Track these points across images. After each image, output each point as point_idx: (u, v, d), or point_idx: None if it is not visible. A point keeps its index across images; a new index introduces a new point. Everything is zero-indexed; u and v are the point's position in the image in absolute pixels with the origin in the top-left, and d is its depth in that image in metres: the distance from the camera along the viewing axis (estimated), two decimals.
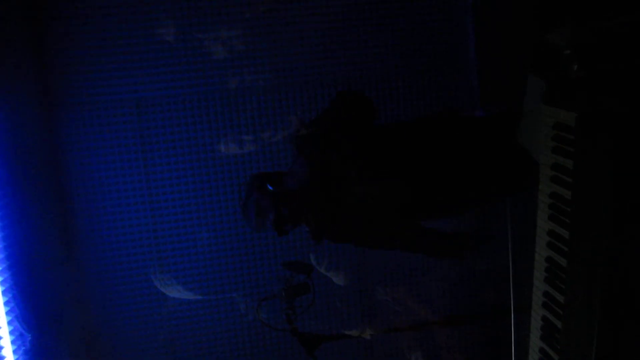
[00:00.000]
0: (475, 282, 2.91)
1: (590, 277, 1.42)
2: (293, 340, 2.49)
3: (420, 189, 2.04)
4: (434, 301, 3.03)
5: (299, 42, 2.95)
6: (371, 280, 3.03)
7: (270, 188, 2.13)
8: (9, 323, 2.25)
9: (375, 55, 3.01)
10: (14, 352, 2.25)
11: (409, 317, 2.99)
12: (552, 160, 1.61)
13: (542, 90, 1.66)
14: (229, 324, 3.07)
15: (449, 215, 2.24)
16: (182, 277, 3.00)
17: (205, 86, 2.92)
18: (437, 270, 3.03)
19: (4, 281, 2.26)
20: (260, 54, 2.95)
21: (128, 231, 2.94)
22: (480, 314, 2.67)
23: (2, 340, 2.20)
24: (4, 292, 2.24)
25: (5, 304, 2.23)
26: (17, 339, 2.30)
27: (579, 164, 1.47)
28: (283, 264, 2.60)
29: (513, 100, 1.97)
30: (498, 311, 2.26)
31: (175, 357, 3.07)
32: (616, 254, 1.34)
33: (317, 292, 2.50)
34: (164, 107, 2.89)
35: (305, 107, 3.00)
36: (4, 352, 2.21)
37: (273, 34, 2.92)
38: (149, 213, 2.95)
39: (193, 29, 2.86)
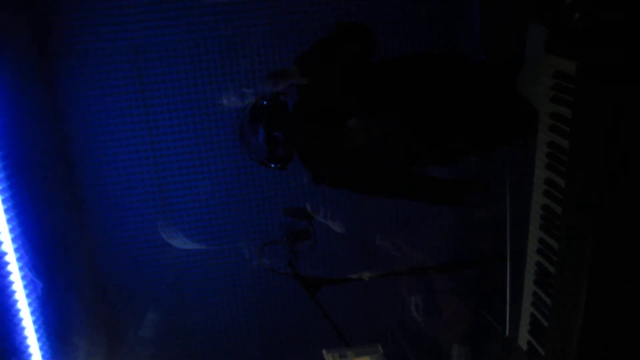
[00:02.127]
0: (472, 229, 2.96)
1: (584, 225, 1.45)
2: (295, 284, 2.56)
3: (420, 129, 2.03)
4: (432, 247, 3.10)
5: None
6: (370, 228, 3.09)
7: (264, 103, 2.12)
8: (20, 269, 2.32)
9: (378, 2, 2.95)
10: (27, 296, 2.33)
11: (407, 263, 3.06)
12: (551, 109, 1.62)
13: (543, 38, 1.64)
14: (232, 270, 3.16)
15: (449, 160, 2.23)
16: (187, 227, 3.06)
17: (203, 32, 2.87)
18: (434, 217, 3.08)
19: (12, 229, 2.31)
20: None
21: (132, 178, 2.97)
22: (477, 260, 2.74)
23: (14, 285, 2.28)
24: (13, 240, 2.29)
25: (16, 250, 2.29)
26: (29, 285, 2.37)
27: (577, 114, 1.48)
28: (285, 210, 2.64)
29: (515, 48, 1.94)
30: (495, 257, 2.31)
31: (182, 303, 3.17)
32: (609, 204, 1.36)
33: (318, 238, 2.56)
34: (162, 54, 2.86)
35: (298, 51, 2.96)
36: (17, 296, 2.29)
37: None
38: (152, 161, 2.97)
39: None
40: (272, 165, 2.16)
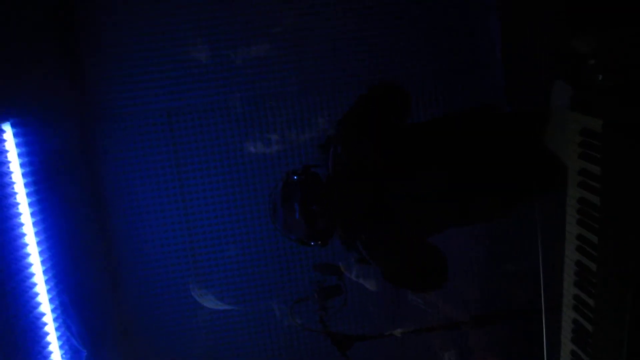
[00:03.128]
0: (505, 283, 2.93)
1: (620, 282, 1.44)
2: (326, 340, 2.54)
3: (455, 187, 1.97)
4: (464, 302, 3.06)
5: (325, 48, 2.99)
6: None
7: (294, 178, 2.03)
8: (59, 338, 2.36)
9: (402, 57, 3.03)
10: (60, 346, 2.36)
11: (440, 318, 3.02)
12: (580, 166, 1.63)
13: (569, 95, 1.67)
14: (264, 329, 3.15)
15: (482, 217, 2.21)
16: (217, 287, 3.09)
17: (232, 93, 2.98)
18: (467, 273, 3.05)
19: (52, 299, 2.36)
20: (287, 59, 3.00)
21: (165, 243, 3.04)
22: (511, 314, 2.69)
23: (53, 355, 2.31)
24: (53, 310, 2.34)
25: (54, 320, 2.33)
26: (69, 354, 2.40)
27: (606, 171, 1.49)
28: (315, 266, 2.65)
29: (540, 102, 1.97)
30: (529, 311, 2.27)
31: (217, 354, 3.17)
32: None
33: (348, 293, 2.55)
34: (194, 115, 2.97)
35: (332, 110, 3.04)
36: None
37: (298, 45, 2.97)
38: (184, 219, 3.04)
39: (221, 45, 2.93)
40: (312, 243, 2.06)
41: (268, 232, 3.05)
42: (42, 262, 2.35)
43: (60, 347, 2.36)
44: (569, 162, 1.67)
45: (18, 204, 2.28)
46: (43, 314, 2.29)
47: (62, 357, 2.36)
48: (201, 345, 3.12)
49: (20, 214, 2.28)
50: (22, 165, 2.33)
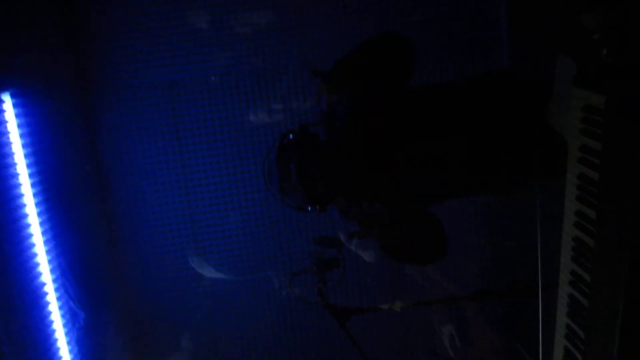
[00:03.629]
0: (503, 259, 2.94)
1: (617, 257, 1.45)
2: (325, 313, 2.57)
3: (457, 150, 1.88)
4: (462, 277, 3.08)
5: (329, 21, 2.95)
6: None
7: (290, 137, 1.88)
8: (58, 299, 2.39)
9: (409, 29, 2.99)
10: (64, 325, 2.39)
11: (437, 292, 3.04)
12: (581, 142, 1.62)
13: (572, 71, 1.66)
14: (262, 300, 3.18)
15: (481, 190, 2.17)
16: (217, 258, 3.11)
17: (235, 66, 2.96)
18: (464, 247, 3.07)
19: (51, 260, 2.38)
20: (289, 26, 2.96)
21: (164, 209, 3.04)
22: (509, 290, 2.71)
23: (52, 315, 2.34)
24: (52, 270, 2.36)
25: (54, 281, 2.36)
26: (68, 316, 2.43)
27: (607, 147, 1.48)
28: (314, 239, 2.65)
29: (544, 79, 1.95)
30: (527, 288, 2.29)
31: (214, 332, 3.20)
32: None
33: (347, 267, 2.56)
34: (195, 88, 2.95)
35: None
36: (54, 326, 2.35)
37: (302, 14, 2.93)
38: (184, 191, 3.04)
39: (223, 17, 2.90)
40: (310, 209, 1.92)
41: (268, 203, 3.06)
42: (41, 224, 2.36)
43: (60, 307, 2.39)
44: (570, 138, 1.67)
45: (18, 174, 2.28)
46: (41, 274, 2.33)
47: (61, 317, 2.38)
48: (199, 313, 3.15)
49: (20, 184, 2.28)
50: (22, 135, 2.33)
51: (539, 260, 2.00)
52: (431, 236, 1.99)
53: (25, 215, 2.29)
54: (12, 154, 2.28)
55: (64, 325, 2.39)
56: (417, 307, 2.91)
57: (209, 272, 3.10)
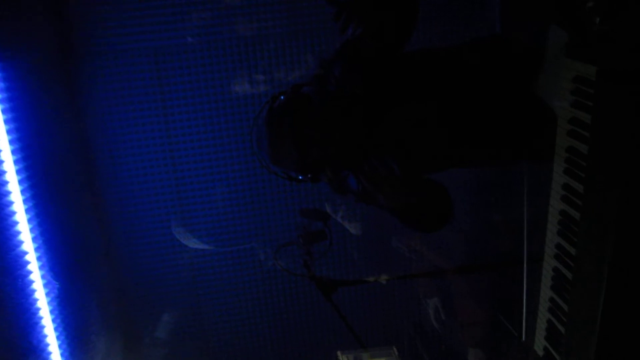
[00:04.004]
0: (490, 232, 2.94)
1: (602, 232, 1.44)
2: (311, 285, 2.57)
3: (449, 116, 1.82)
4: (448, 250, 3.08)
5: None
6: (386, 229, 3.07)
7: (282, 99, 1.73)
8: (40, 268, 2.36)
9: None
10: (46, 295, 2.37)
11: (423, 265, 3.05)
12: (570, 114, 1.60)
13: (564, 42, 1.62)
14: (249, 271, 3.18)
15: (467, 162, 2.14)
16: (203, 228, 3.09)
17: (222, 34, 2.90)
18: (452, 221, 3.06)
19: (33, 229, 2.35)
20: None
21: (150, 179, 3.00)
22: (494, 263, 2.72)
23: (34, 284, 2.32)
24: (33, 239, 2.33)
25: (36, 250, 2.33)
26: (49, 284, 2.41)
27: (596, 119, 1.46)
28: (300, 211, 2.64)
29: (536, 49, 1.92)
30: (512, 261, 2.29)
31: (198, 303, 3.20)
32: (628, 210, 1.34)
33: (333, 239, 2.55)
34: (181, 56, 2.89)
35: (324, 54, 2.97)
36: (36, 295, 2.33)
37: None
38: (169, 161, 3.00)
39: None
40: (301, 177, 1.80)
41: (255, 174, 3.03)
42: (22, 192, 2.32)
43: (42, 276, 2.37)
44: (560, 110, 1.65)
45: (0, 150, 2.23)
46: (23, 242, 2.29)
47: (44, 287, 2.36)
48: (184, 284, 3.14)
49: (0, 150, 2.23)
50: (3, 109, 2.27)
51: (525, 233, 1.99)
52: (438, 200, 1.90)
53: (6, 182, 2.25)
54: None
55: (47, 295, 2.37)
56: (402, 280, 2.92)
57: (194, 243, 3.09)
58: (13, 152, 2.29)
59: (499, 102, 1.89)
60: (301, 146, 1.67)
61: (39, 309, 2.34)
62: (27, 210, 2.32)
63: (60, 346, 2.41)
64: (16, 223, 2.27)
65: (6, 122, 2.27)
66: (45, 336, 2.36)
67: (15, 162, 2.29)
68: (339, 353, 2.76)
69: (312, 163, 1.72)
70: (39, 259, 2.34)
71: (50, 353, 2.37)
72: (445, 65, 1.88)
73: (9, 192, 2.26)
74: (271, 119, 1.72)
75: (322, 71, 1.82)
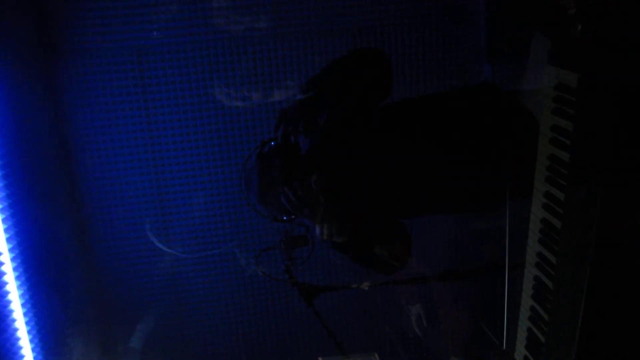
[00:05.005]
0: (473, 240, 2.94)
1: (583, 240, 1.43)
2: (292, 290, 2.54)
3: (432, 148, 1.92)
4: (431, 257, 3.07)
5: None
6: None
7: (272, 144, 1.88)
8: (15, 269, 2.31)
9: (383, 11, 2.93)
10: (20, 296, 2.32)
11: (406, 272, 3.03)
12: (552, 122, 1.59)
13: (547, 49, 1.62)
14: (230, 276, 3.13)
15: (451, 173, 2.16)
16: (184, 232, 3.04)
17: (207, 34, 2.86)
18: (433, 228, 3.05)
19: (8, 229, 2.30)
20: (263, 1, 2.88)
21: (131, 180, 2.95)
22: (476, 271, 2.71)
23: (8, 286, 2.26)
24: (8, 240, 2.28)
25: (11, 250, 2.28)
26: (23, 286, 2.36)
27: (578, 127, 1.46)
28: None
29: (521, 57, 1.92)
30: (493, 268, 2.29)
31: (179, 308, 3.15)
32: (608, 219, 1.34)
33: (316, 244, 2.53)
34: (164, 56, 2.85)
35: (309, 58, 2.95)
36: (10, 297, 2.27)
37: None
38: (152, 163, 2.95)
39: None
40: (285, 218, 1.99)
41: (239, 175, 2.98)
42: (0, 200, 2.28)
43: (17, 277, 2.31)
44: (542, 118, 1.64)
45: None
46: None
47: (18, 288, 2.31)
48: (163, 285, 3.09)
49: None
50: None
51: (507, 241, 1.99)
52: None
53: None
54: None
55: (21, 297, 2.32)
56: (385, 287, 2.90)
57: (175, 247, 3.05)
58: None
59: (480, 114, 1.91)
60: (291, 191, 1.82)
61: (12, 311, 2.28)
62: (1, 210, 2.26)
63: (33, 349, 2.35)
64: None
65: None
66: (19, 339, 2.31)
67: None
68: (320, 359, 2.73)
69: (301, 204, 1.86)
70: (13, 259, 2.29)
71: (23, 357, 2.31)
72: (427, 109, 1.97)
73: None
74: (261, 164, 1.87)
75: (308, 96, 1.96)
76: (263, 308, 3.20)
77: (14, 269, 2.29)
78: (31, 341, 2.35)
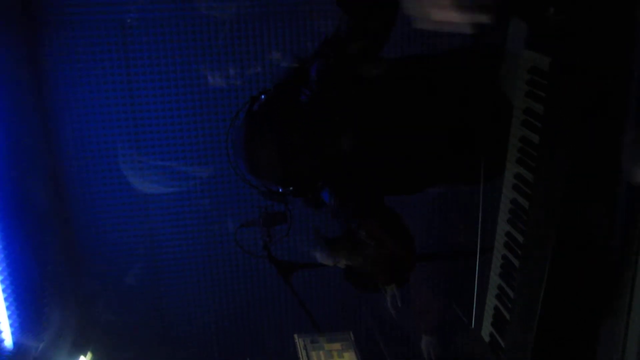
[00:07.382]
0: (446, 222, 2.98)
1: (548, 220, 1.47)
2: (270, 266, 2.57)
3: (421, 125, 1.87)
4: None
5: None
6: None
7: (262, 97, 1.59)
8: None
9: None
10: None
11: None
12: (525, 105, 1.63)
13: (523, 33, 1.65)
14: (209, 251, 3.16)
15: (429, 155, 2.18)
16: (164, 207, 3.07)
17: (193, 10, 2.85)
18: (407, 210, 3.09)
19: None
20: None
21: (112, 153, 2.96)
22: (449, 252, 2.76)
23: None
24: None
25: None
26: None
27: (548, 110, 1.49)
28: (262, 192, 2.63)
29: (499, 42, 1.94)
30: (466, 250, 2.33)
31: (157, 281, 3.17)
32: (573, 200, 1.38)
33: (295, 223, 2.55)
34: (149, 30, 2.84)
35: (294, 38, 2.95)
36: None
37: None
38: (133, 137, 2.96)
39: None
40: (281, 190, 1.64)
41: (220, 155, 3.00)
42: None
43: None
44: (516, 101, 1.67)
45: None
46: None
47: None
48: (142, 258, 3.11)
49: None
50: None
51: (479, 222, 2.02)
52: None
53: None
54: None
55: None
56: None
57: (155, 215, 3.05)
58: None
59: (459, 97, 1.93)
60: (285, 154, 1.48)
61: None
62: None
63: (10, 316, 2.36)
64: None
65: None
66: None
67: None
68: (296, 336, 2.77)
69: (295, 174, 1.56)
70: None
71: None
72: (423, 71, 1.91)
73: None
74: (251, 123, 1.53)
75: (300, 66, 1.69)
76: (241, 284, 3.24)
77: None
78: (8, 308, 2.35)
